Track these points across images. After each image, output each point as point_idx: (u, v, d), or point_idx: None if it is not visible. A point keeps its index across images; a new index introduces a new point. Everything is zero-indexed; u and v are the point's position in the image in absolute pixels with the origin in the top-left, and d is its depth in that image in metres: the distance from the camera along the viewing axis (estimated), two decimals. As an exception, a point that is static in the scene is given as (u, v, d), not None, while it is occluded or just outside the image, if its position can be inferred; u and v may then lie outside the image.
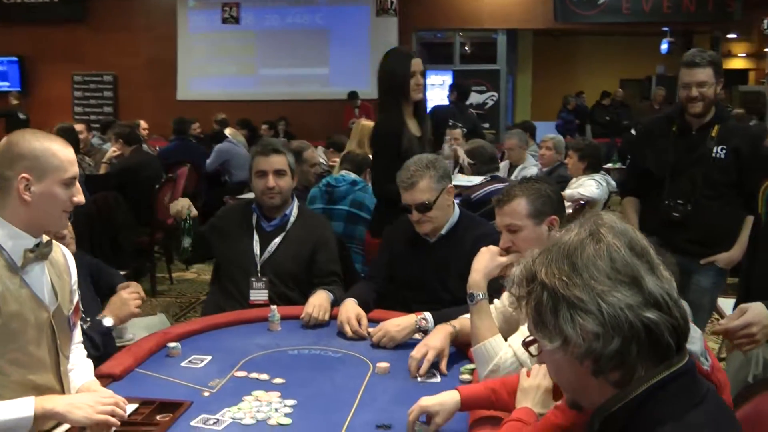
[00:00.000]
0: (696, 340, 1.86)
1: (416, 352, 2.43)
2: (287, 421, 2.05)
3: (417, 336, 2.71)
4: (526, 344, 1.33)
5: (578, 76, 16.32)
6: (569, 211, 5.13)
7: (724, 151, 3.37)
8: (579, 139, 5.49)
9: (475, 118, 9.15)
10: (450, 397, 1.97)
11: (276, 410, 2.10)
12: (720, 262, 3.48)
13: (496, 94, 13.02)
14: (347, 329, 2.76)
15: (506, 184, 4.63)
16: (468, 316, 2.61)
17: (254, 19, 13.00)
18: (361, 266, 4.08)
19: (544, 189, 2.37)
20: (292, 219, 3.31)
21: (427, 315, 2.72)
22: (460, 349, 2.56)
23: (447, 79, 13.15)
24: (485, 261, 2.33)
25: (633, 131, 11.38)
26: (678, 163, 3.44)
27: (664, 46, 13.92)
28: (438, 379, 2.39)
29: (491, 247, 2.38)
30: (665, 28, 13.71)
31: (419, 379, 2.38)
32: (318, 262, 3.26)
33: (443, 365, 2.44)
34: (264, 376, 2.35)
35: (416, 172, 2.96)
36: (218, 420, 2.04)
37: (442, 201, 2.98)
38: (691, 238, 3.43)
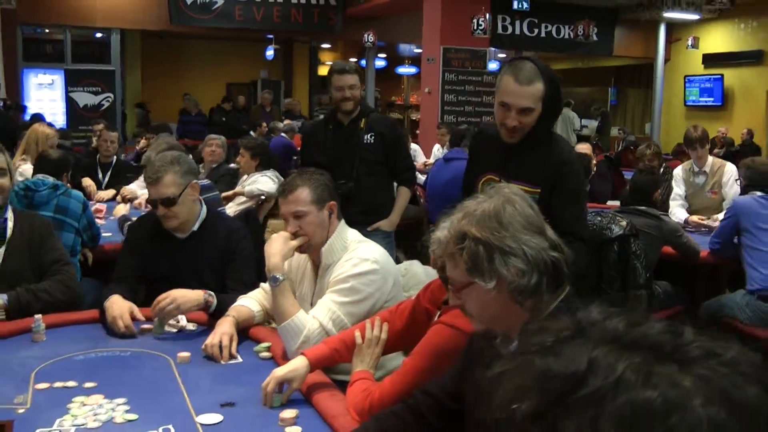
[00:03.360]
0: None
1: (212, 339, 2.57)
2: (133, 416, 2.07)
3: (190, 327, 2.84)
4: (456, 290, 1.64)
5: (187, 78, 16.56)
6: (248, 204, 5.47)
7: (372, 137, 4.14)
8: (251, 138, 5.83)
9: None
10: (300, 363, 2.20)
11: (113, 409, 2.11)
12: (383, 227, 4.20)
13: (111, 95, 12.62)
14: (120, 324, 2.74)
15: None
16: (240, 303, 2.83)
17: None
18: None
19: (323, 179, 2.70)
20: (10, 224, 3.09)
21: (212, 293, 2.86)
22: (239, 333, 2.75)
23: (57, 78, 12.39)
24: (279, 245, 2.58)
25: (252, 133, 12.07)
26: (339, 152, 4.16)
27: (270, 53, 14.90)
28: (240, 359, 2.57)
29: (282, 233, 2.63)
30: (270, 36, 14.69)
31: (223, 362, 2.53)
32: (43, 256, 3.11)
33: (234, 348, 2.61)
34: (71, 383, 2.29)
35: (161, 168, 3.03)
36: (60, 431, 1.98)
37: (187, 196, 3.09)
38: (358, 210, 4.07)
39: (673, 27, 15.23)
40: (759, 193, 4.15)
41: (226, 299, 2.89)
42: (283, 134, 10.99)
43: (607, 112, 17.20)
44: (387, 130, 4.24)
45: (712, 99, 15.03)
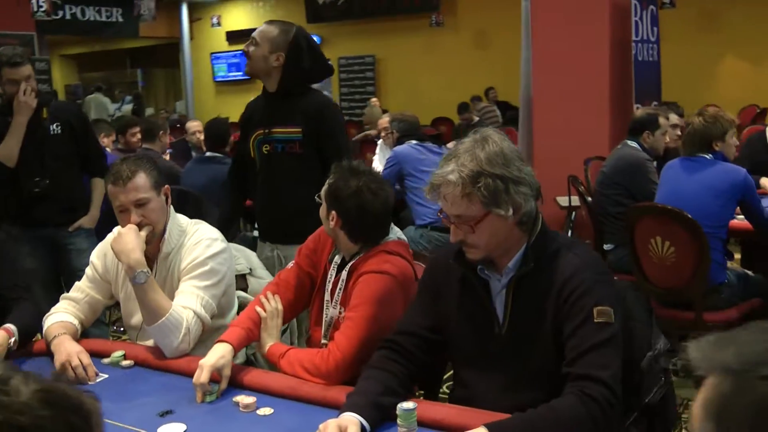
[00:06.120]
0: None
1: (69, 361, 2.23)
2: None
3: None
4: (470, 225, 1.79)
5: None
6: None
7: (59, 127, 3.80)
8: None
9: None
10: (225, 349, 2.13)
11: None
12: (85, 224, 3.90)
13: None
14: None
15: None
16: (58, 320, 2.47)
17: None
18: None
19: (152, 162, 2.49)
20: None
21: (9, 326, 2.40)
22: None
23: None
24: (133, 239, 2.34)
25: None
26: (24, 147, 3.69)
27: None
28: (107, 375, 2.29)
29: (129, 225, 2.37)
30: None
31: (91, 382, 2.23)
32: None
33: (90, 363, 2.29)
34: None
35: None
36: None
37: None
38: (56, 209, 3.78)
39: (194, 6, 15.82)
40: (414, 141, 4.90)
41: (26, 323, 2.46)
42: None
43: (140, 94, 17.06)
44: (74, 119, 3.90)
45: (240, 73, 16.03)
